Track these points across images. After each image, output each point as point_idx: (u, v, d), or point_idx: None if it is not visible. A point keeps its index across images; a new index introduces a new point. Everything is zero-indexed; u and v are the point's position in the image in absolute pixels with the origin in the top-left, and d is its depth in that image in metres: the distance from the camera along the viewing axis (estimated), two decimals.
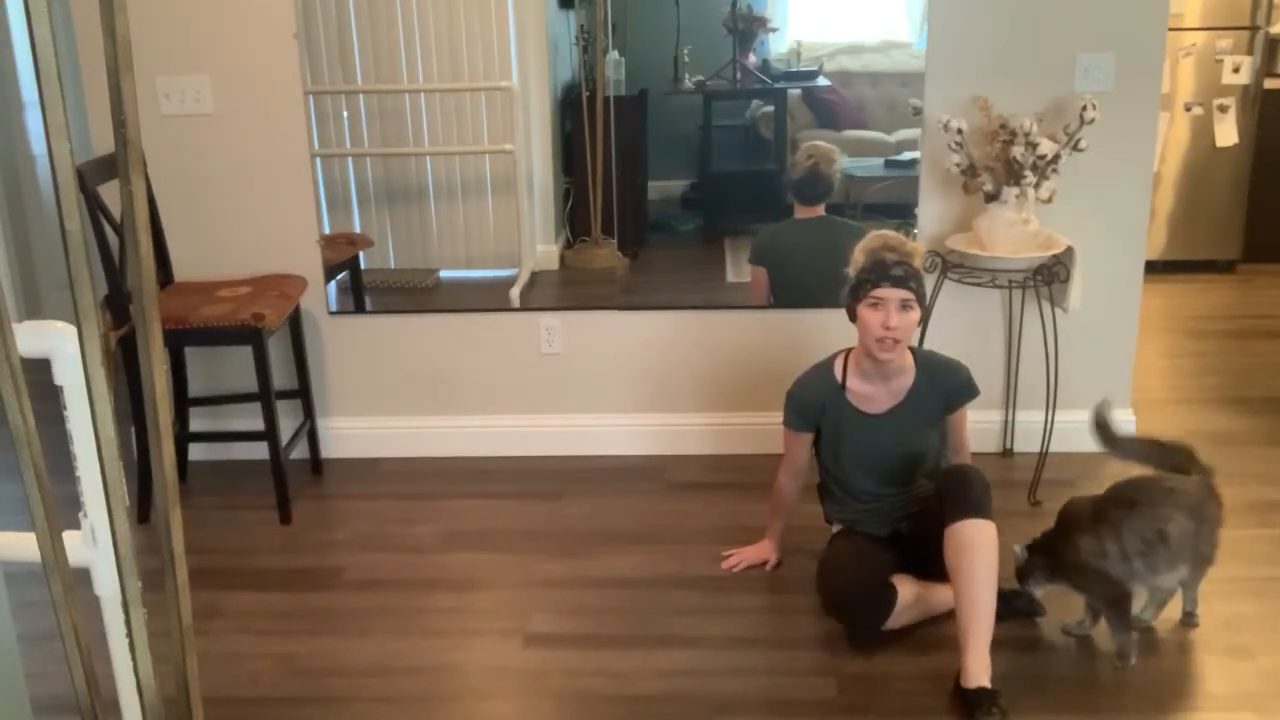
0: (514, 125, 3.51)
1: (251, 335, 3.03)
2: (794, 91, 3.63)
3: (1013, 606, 2.55)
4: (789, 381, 2.72)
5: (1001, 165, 3.08)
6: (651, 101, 3.63)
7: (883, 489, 2.67)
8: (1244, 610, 2.61)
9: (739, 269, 3.65)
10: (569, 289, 3.68)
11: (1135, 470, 2.53)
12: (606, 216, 3.64)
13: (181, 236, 3.40)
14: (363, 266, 3.62)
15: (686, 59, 3.60)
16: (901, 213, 3.42)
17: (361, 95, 3.46)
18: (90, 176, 2.91)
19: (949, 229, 3.33)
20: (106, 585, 1.58)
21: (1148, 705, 2.30)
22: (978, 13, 3.19)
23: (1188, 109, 5.25)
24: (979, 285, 3.17)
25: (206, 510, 3.31)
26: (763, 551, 2.88)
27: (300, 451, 3.51)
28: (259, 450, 3.25)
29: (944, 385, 2.63)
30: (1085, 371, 3.41)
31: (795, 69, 3.60)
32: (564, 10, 3.55)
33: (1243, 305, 5.05)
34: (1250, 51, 5.16)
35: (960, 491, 2.38)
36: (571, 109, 3.60)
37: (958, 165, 3.12)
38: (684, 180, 3.84)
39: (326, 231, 3.50)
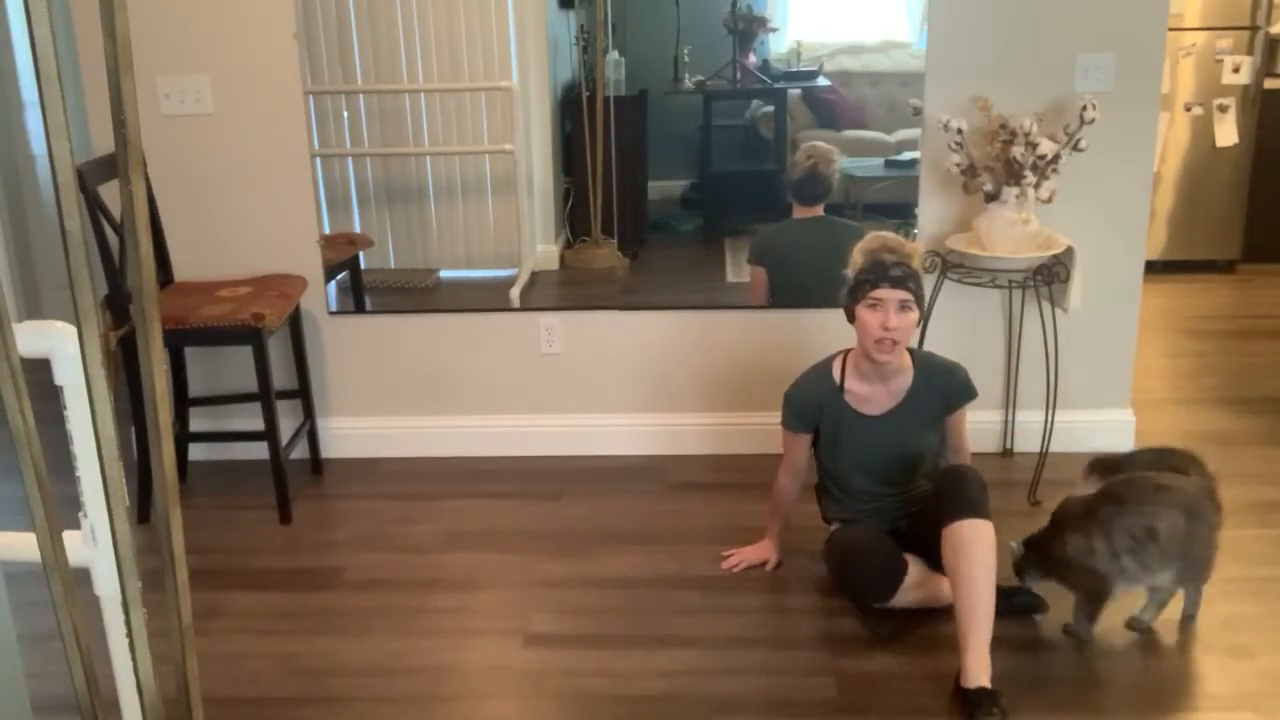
0: (514, 125, 3.51)
1: (251, 335, 3.03)
2: (794, 91, 3.63)
3: (1013, 603, 2.55)
4: (788, 381, 2.72)
5: (1001, 165, 3.08)
6: (651, 101, 3.63)
7: (881, 490, 2.67)
8: (1244, 610, 2.61)
9: (739, 269, 3.65)
10: (569, 289, 3.68)
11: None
12: (606, 216, 3.64)
13: (181, 236, 3.40)
14: (363, 266, 3.62)
15: (686, 59, 3.60)
16: (901, 213, 3.42)
17: (361, 95, 3.46)
18: (90, 176, 2.91)
19: (949, 229, 3.33)
20: (106, 585, 1.58)
21: (1148, 705, 2.30)
22: (978, 13, 3.19)
23: (1188, 109, 5.25)
24: (979, 285, 3.17)
25: (206, 510, 3.31)
26: (763, 552, 2.88)
27: (300, 451, 3.51)
28: (259, 450, 3.26)
29: (942, 386, 2.63)
30: (1085, 371, 3.41)
31: (795, 69, 3.60)
32: (564, 10, 3.55)
33: (1243, 305, 5.05)
34: (1250, 51, 5.16)
35: (958, 491, 2.39)
36: (571, 109, 3.60)
37: (958, 165, 3.12)
38: (684, 180, 3.83)
39: (326, 231, 3.50)
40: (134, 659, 1.42)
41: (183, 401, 3.46)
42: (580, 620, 2.68)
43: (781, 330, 3.48)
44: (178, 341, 3.17)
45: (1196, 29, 5.16)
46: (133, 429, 3.17)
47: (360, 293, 3.63)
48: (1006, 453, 3.51)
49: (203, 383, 3.55)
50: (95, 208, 2.93)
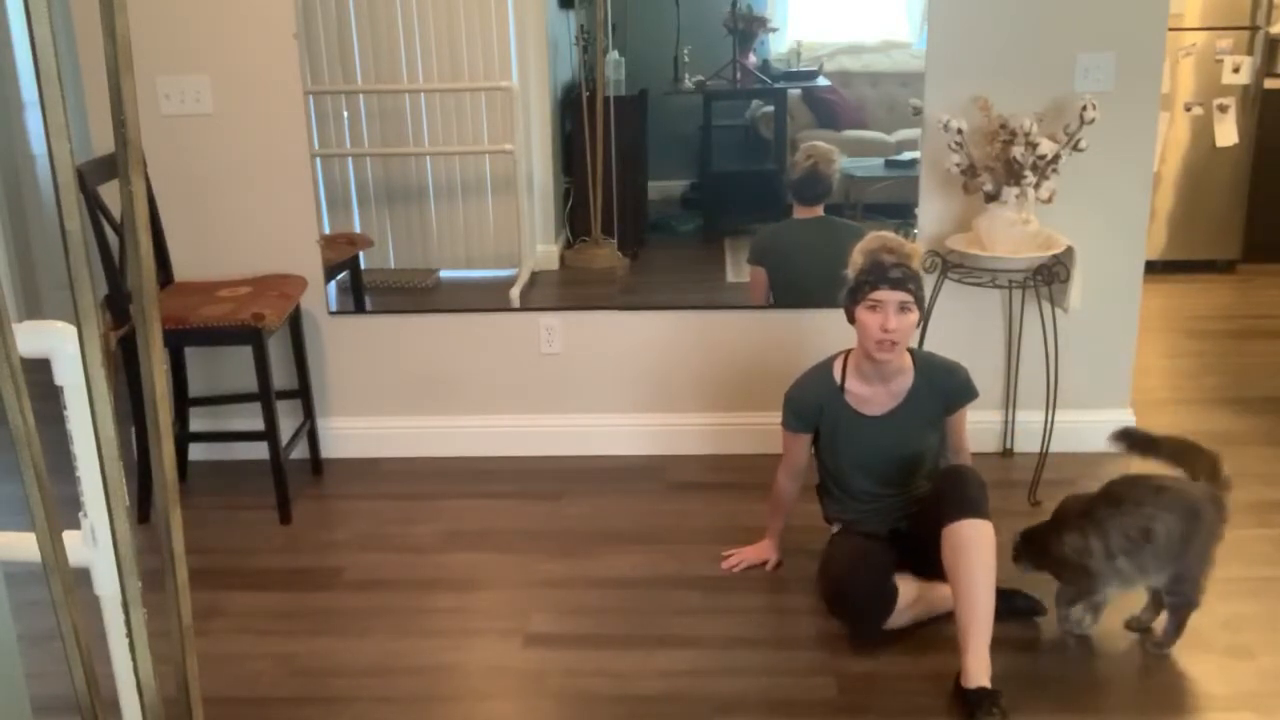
0: (514, 125, 3.51)
1: (251, 335, 3.03)
2: (794, 91, 3.63)
3: (1012, 605, 2.55)
4: (789, 382, 2.72)
5: (1001, 165, 3.08)
6: (651, 101, 3.63)
7: (882, 490, 2.67)
8: (1244, 610, 2.61)
9: (739, 269, 3.65)
10: (569, 289, 3.68)
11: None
12: (606, 216, 3.64)
13: (181, 236, 3.40)
14: (363, 266, 3.62)
15: (686, 59, 3.60)
16: (901, 213, 3.42)
17: (361, 95, 3.46)
18: (90, 176, 2.91)
19: (949, 229, 3.33)
20: (106, 585, 1.58)
21: (1148, 705, 2.30)
22: (978, 13, 3.19)
23: (1188, 109, 5.25)
24: (979, 285, 3.17)
25: (206, 510, 3.31)
26: (763, 552, 2.88)
27: (300, 451, 3.51)
28: (259, 450, 3.26)
29: (943, 387, 2.63)
30: (1085, 371, 3.41)
31: (795, 69, 3.60)
32: (564, 10, 3.55)
33: (1243, 305, 5.05)
34: (1250, 51, 5.16)
35: (957, 491, 2.38)
36: (571, 109, 3.60)
37: (958, 165, 3.12)
38: (684, 180, 3.83)
39: (326, 231, 3.50)
40: (134, 659, 1.42)
41: (183, 401, 3.46)
42: (580, 620, 2.68)
43: (781, 330, 3.48)
44: (178, 341, 3.17)
45: (1196, 29, 5.16)
46: (133, 429, 3.17)
47: (360, 293, 3.63)
48: (1006, 453, 3.51)
49: (203, 383, 3.55)
50: (95, 208, 2.93)
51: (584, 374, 3.57)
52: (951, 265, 3.19)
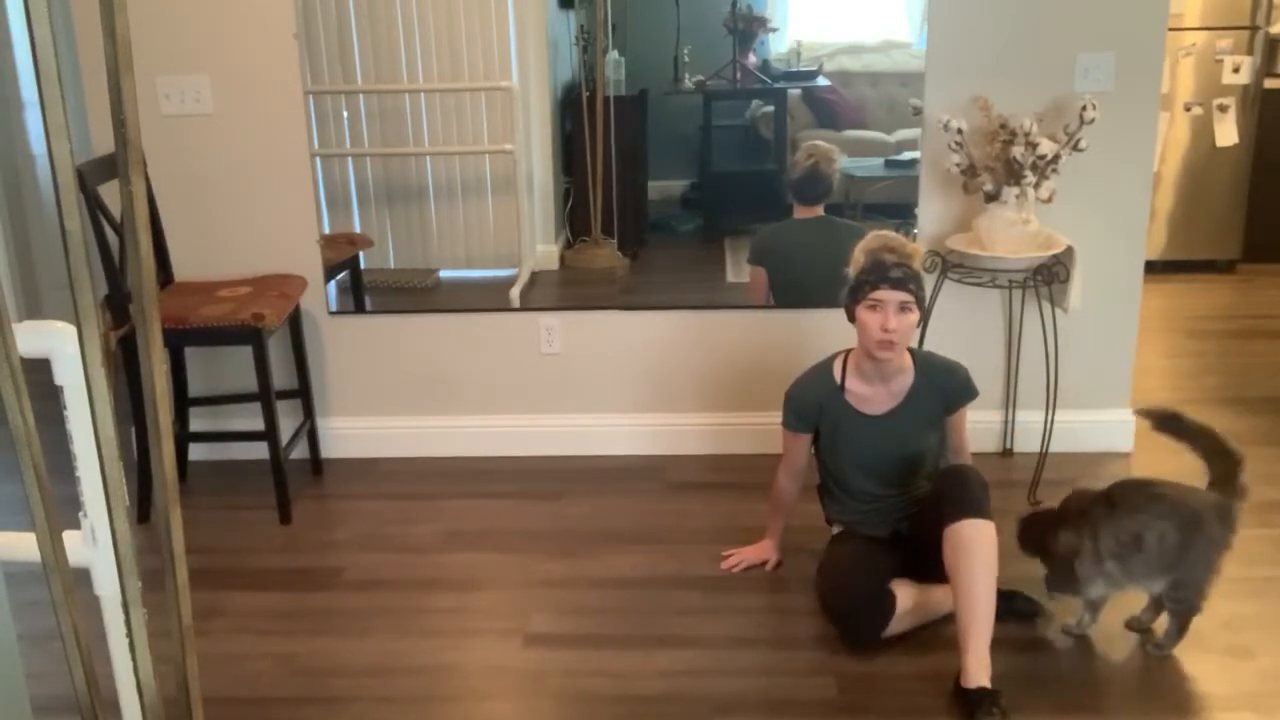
0: (514, 125, 3.51)
1: (251, 335, 3.03)
2: (794, 91, 3.63)
3: (1012, 606, 2.55)
4: (789, 381, 2.72)
5: (1001, 165, 3.08)
6: (651, 101, 3.63)
7: (882, 490, 2.67)
8: (1244, 610, 2.61)
9: (739, 269, 3.65)
10: (569, 289, 3.68)
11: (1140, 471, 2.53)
12: (606, 216, 3.64)
13: (181, 236, 3.40)
14: (363, 266, 3.62)
15: (686, 59, 3.60)
16: (901, 213, 3.42)
17: (361, 95, 3.46)
18: (90, 176, 2.91)
19: (949, 229, 3.33)
20: (106, 585, 1.58)
21: (1148, 705, 2.30)
22: (978, 13, 3.19)
23: (1188, 109, 5.25)
24: (979, 285, 3.17)
25: (206, 510, 3.31)
26: (763, 552, 2.88)
27: (300, 451, 3.51)
28: (259, 450, 3.26)
29: (943, 386, 2.63)
30: (1085, 371, 3.41)
31: (795, 69, 3.60)
32: (564, 10, 3.55)
33: (1243, 305, 5.05)
34: (1250, 51, 5.16)
35: (958, 492, 2.38)
36: (571, 109, 3.60)
37: (958, 165, 3.12)
38: (684, 180, 3.83)
39: (326, 231, 3.50)
40: (134, 659, 1.42)
41: (183, 401, 3.46)
42: (580, 620, 2.68)
43: (781, 330, 3.48)
44: (178, 341, 3.17)
45: (1196, 29, 5.16)
46: (133, 429, 3.17)
47: (360, 293, 3.63)
48: (1006, 453, 3.51)
49: (203, 383, 3.55)
50: (95, 208, 2.93)
51: (584, 374, 3.57)
52: (951, 265, 3.19)
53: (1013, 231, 3.07)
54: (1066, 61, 3.19)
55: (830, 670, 2.44)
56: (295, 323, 3.39)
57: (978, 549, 2.32)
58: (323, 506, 3.34)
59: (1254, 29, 5.15)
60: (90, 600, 1.53)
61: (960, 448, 2.70)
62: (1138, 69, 3.19)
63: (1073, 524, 2.42)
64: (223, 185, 3.41)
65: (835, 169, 3.47)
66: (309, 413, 3.48)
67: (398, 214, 3.63)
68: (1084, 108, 3.01)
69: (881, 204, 3.55)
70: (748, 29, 3.57)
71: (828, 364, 2.68)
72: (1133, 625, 2.54)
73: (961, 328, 3.39)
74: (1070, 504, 2.48)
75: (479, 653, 2.56)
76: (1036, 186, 3.04)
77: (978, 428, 3.06)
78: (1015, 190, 3.05)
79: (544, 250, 3.70)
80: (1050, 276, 3.09)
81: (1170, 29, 3.54)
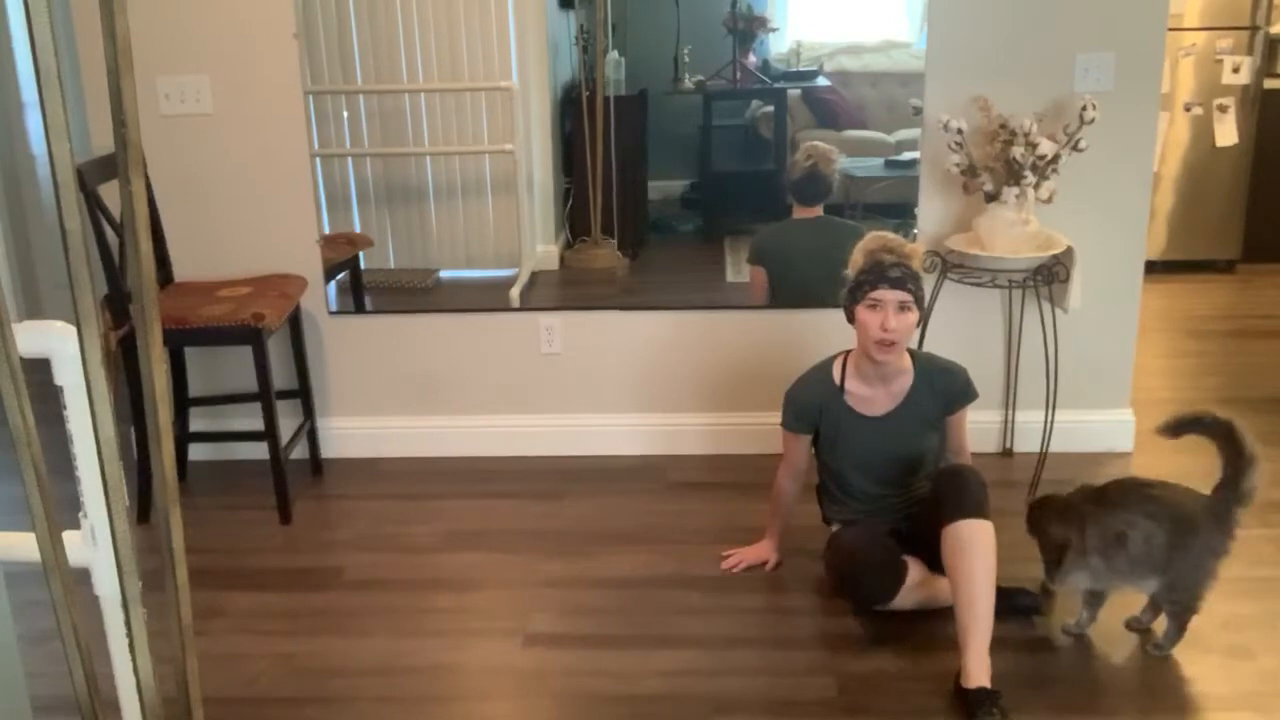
0: (514, 125, 3.52)
1: (251, 335, 3.03)
2: (794, 91, 3.64)
3: (1013, 604, 2.55)
4: (789, 381, 2.72)
5: (1001, 165, 3.08)
6: (651, 101, 3.63)
7: (881, 490, 2.67)
8: (1244, 610, 2.61)
9: (739, 269, 3.65)
10: (569, 289, 3.68)
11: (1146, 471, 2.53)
12: (606, 216, 3.64)
13: (181, 236, 3.40)
14: (363, 266, 3.62)
15: (686, 59, 3.60)
16: (901, 213, 3.42)
17: (361, 95, 3.46)
18: (90, 176, 2.91)
19: (949, 229, 3.33)
20: (106, 585, 1.58)
21: (1148, 705, 2.30)
22: (978, 13, 3.19)
23: (1188, 109, 5.25)
24: (979, 285, 3.17)
25: (206, 510, 3.31)
26: (763, 552, 2.88)
27: (300, 451, 3.51)
28: (259, 450, 3.25)
29: (943, 388, 2.63)
30: (1085, 371, 3.41)
31: (795, 69, 3.60)
32: (564, 10, 3.55)
33: (1243, 305, 5.05)
34: (1250, 51, 5.16)
35: (957, 491, 2.39)
36: (571, 109, 3.60)
37: (958, 165, 3.12)
38: (684, 180, 3.84)
39: (326, 231, 3.50)
40: (134, 659, 1.42)
41: (183, 401, 3.46)
42: (580, 620, 2.68)
43: (781, 330, 3.48)
44: (178, 341, 3.17)
45: (1196, 29, 5.16)
46: (133, 429, 3.17)
47: (360, 293, 3.64)
48: (1006, 453, 3.51)
49: (203, 383, 3.55)
50: (95, 208, 2.93)
51: (584, 374, 3.57)
52: (951, 265, 3.19)
53: (1013, 231, 3.07)
54: (1066, 61, 3.19)
55: (830, 670, 2.44)
56: (295, 323, 3.39)
57: (977, 549, 2.32)
58: (323, 506, 3.34)
59: (1254, 29, 5.15)
60: (90, 600, 1.53)
61: (960, 448, 2.70)
62: (1138, 69, 3.19)
63: (1068, 518, 2.44)
64: (223, 185, 3.41)
65: (835, 169, 3.47)
66: (309, 413, 3.48)
67: (398, 214, 3.63)
68: (1084, 108, 3.01)
69: (881, 204, 3.55)
70: (748, 29, 3.57)
71: (828, 365, 2.68)
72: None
73: (961, 328, 3.39)
74: (1074, 495, 2.49)
75: (479, 653, 2.56)
76: (1036, 186, 3.04)
77: (978, 428, 3.06)
78: (1015, 190, 3.05)
79: (544, 250, 3.70)
80: (1050, 276, 3.09)
81: (1170, 29, 3.54)
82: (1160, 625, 2.49)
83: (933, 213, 3.36)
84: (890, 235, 2.57)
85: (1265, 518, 3.04)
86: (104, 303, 3.03)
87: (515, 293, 3.60)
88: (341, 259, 3.57)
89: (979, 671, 2.25)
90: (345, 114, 3.47)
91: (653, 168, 3.74)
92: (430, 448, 3.62)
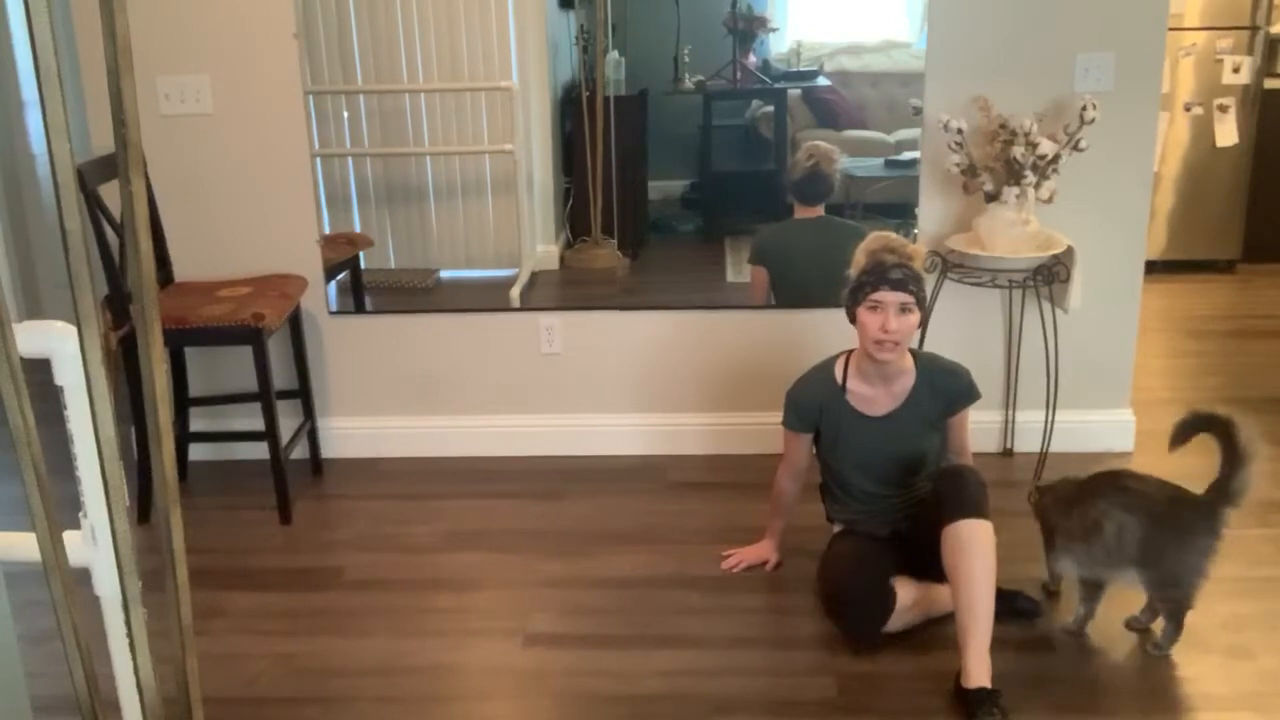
0: (514, 125, 3.52)
1: (251, 335, 3.03)
2: (794, 91, 3.64)
3: (1013, 606, 2.55)
4: (789, 381, 2.72)
5: (1001, 165, 3.08)
6: (651, 101, 3.63)
7: (882, 490, 2.67)
8: (1244, 610, 2.61)
9: (739, 269, 3.65)
10: (569, 289, 3.68)
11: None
12: (606, 216, 3.64)
13: (181, 236, 3.40)
14: (363, 266, 3.62)
15: (686, 59, 3.60)
16: (901, 213, 3.42)
17: (361, 95, 3.46)
18: (90, 176, 2.91)
19: (949, 229, 3.33)
20: (106, 585, 1.58)
21: (1148, 705, 2.30)
22: (978, 13, 3.19)
23: (1188, 109, 5.25)
24: (979, 285, 3.17)
25: (206, 510, 3.31)
26: (763, 551, 2.88)
27: (300, 451, 3.51)
28: (259, 450, 3.25)
29: (945, 388, 2.63)
30: (1085, 371, 3.41)
31: (795, 69, 3.60)
32: (564, 10, 3.55)
33: (1243, 305, 5.05)
34: (1250, 51, 5.16)
35: (957, 491, 2.38)
36: (571, 109, 3.61)
37: (958, 165, 3.12)
38: (684, 180, 3.84)
39: (326, 231, 3.50)
40: (134, 659, 1.42)
41: (183, 401, 3.46)
42: (580, 620, 2.68)
43: (781, 330, 3.48)
44: (178, 341, 3.17)
45: (1196, 29, 5.16)
46: (133, 429, 3.17)
47: (360, 293, 3.64)
48: (1006, 453, 3.51)
49: (203, 383, 3.55)
50: (95, 208, 2.93)
51: (584, 374, 3.57)
52: (951, 265, 3.19)
53: (1013, 231, 3.07)
54: (1066, 61, 3.19)
55: (830, 670, 2.44)
56: (295, 323, 3.39)
57: (976, 549, 2.32)
58: (323, 506, 3.34)
59: (1254, 29, 5.15)
60: (90, 600, 1.53)
61: (962, 448, 2.70)
62: (1138, 69, 3.19)
63: (1059, 501, 2.51)
64: (223, 185, 3.41)
65: (836, 169, 3.47)
66: (309, 413, 3.48)
67: (398, 214, 3.63)
68: (1084, 108, 3.01)
69: (881, 204, 3.55)
70: (748, 29, 3.57)
71: (829, 364, 2.68)
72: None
73: (961, 328, 3.39)
74: (1070, 482, 2.54)
75: (479, 653, 2.56)
76: (1036, 186, 3.05)
77: (978, 428, 3.06)
78: (1015, 190, 3.05)
79: (544, 250, 3.70)
80: (1050, 276, 3.09)
81: (1170, 29, 3.54)
82: (1160, 625, 2.49)
83: (933, 213, 3.36)
84: (892, 236, 2.57)
85: (1265, 518, 3.04)
86: (104, 303, 3.03)
87: (515, 293, 3.60)
88: (341, 259, 3.57)
89: (979, 671, 2.25)
90: (345, 114, 3.47)
91: (653, 168, 3.74)
92: (430, 448, 3.62)
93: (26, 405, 1.27)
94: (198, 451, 3.60)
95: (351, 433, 3.63)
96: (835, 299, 2.65)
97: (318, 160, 3.43)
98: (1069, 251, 3.13)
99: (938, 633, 2.53)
